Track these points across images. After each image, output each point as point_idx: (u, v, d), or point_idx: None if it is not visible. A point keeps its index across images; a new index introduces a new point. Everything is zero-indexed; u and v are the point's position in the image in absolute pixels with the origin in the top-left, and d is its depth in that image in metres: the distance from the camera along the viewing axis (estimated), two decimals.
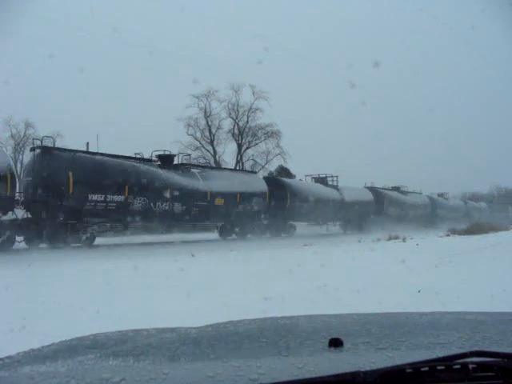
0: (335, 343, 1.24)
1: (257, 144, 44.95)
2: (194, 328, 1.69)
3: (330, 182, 33.86)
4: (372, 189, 37.05)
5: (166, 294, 6.79)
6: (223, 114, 44.41)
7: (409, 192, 43.04)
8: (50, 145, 18.51)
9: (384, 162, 72.74)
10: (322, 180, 33.46)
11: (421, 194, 45.14)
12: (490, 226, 25.90)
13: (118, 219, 19.85)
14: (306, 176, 33.75)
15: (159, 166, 22.08)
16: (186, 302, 6.12)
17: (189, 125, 43.17)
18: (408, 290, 6.52)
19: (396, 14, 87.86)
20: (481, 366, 1.00)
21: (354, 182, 36.29)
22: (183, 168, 23.42)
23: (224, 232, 25.76)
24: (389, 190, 40.88)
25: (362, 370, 0.97)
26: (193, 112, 43.07)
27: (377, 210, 36.04)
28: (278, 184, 28.49)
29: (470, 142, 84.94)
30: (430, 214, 43.56)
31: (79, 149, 19.28)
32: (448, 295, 5.81)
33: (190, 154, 27.84)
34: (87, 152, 19.40)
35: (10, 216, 17.19)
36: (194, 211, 22.61)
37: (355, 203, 33.76)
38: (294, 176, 34.72)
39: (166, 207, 21.15)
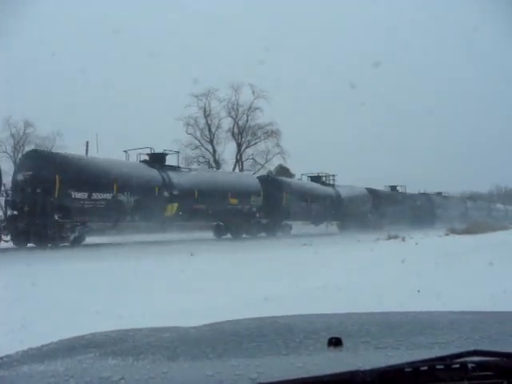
0: (335, 343, 1.24)
1: (256, 143, 44.98)
2: (194, 327, 1.69)
3: (327, 181, 33.78)
4: (369, 188, 37.07)
5: (165, 294, 6.78)
6: (223, 113, 44.45)
7: (407, 191, 43.12)
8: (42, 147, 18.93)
9: (384, 161, 72.81)
10: (318, 179, 33.31)
11: (419, 193, 45.20)
12: (489, 226, 25.93)
13: (108, 219, 19.79)
14: (302, 175, 33.66)
15: (150, 166, 21.98)
16: (185, 302, 6.11)
17: (188, 124, 43.22)
18: (408, 289, 6.52)
19: (397, 14, 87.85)
20: (480, 366, 1.00)
21: (353, 181, 36.33)
22: (175, 167, 23.35)
23: (219, 231, 25.68)
24: (386, 189, 40.92)
25: (361, 369, 0.97)
26: (192, 111, 43.13)
27: (374, 210, 36.04)
28: (274, 183, 28.33)
29: (470, 141, 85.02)
30: (428, 213, 43.59)
31: (77, 148, 19.69)
32: (448, 295, 5.81)
33: (179, 152, 27.35)
34: (76, 155, 19.82)
35: None
36: (187, 210, 22.35)
37: (352, 203, 33.74)
38: (294, 175, 34.63)
39: (158, 207, 20.86)
